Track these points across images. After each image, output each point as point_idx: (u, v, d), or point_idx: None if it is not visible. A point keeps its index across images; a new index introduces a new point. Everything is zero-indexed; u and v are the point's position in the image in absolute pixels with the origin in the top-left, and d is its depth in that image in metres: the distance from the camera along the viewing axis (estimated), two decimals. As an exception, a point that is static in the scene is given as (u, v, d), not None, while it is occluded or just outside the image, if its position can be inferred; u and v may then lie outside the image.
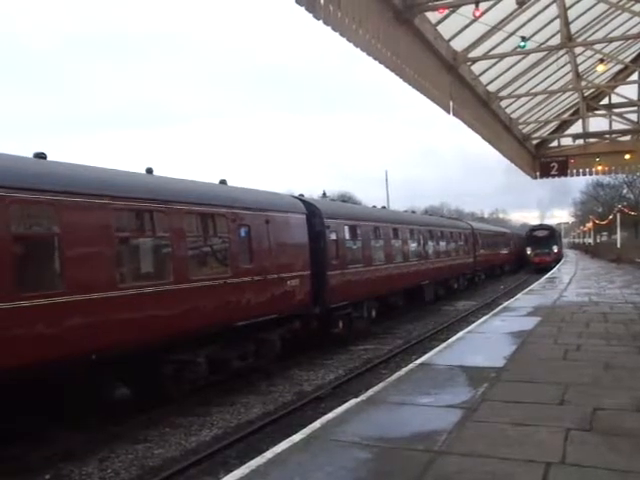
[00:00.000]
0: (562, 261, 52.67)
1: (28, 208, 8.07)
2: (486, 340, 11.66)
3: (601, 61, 17.94)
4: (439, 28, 13.30)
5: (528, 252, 49.76)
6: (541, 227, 54.48)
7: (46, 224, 8.43)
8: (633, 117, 23.32)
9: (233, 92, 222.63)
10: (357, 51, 10.25)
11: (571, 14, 15.36)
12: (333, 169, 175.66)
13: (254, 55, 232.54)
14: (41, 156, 8.79)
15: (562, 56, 17.74)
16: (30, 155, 8.73)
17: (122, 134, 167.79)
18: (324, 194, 34.58)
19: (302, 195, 16.88)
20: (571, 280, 27.66)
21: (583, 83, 21.08)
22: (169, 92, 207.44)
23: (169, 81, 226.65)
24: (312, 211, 15.07)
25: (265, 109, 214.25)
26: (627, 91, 22.63)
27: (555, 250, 50.16)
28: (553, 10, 14.81)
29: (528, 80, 19.09)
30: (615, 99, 23.54)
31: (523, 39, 14.36)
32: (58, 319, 8.02)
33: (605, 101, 23.99)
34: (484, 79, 17.63)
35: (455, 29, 13.73)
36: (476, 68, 16.72)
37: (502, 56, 16.11)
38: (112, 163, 10.08)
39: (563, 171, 25.81)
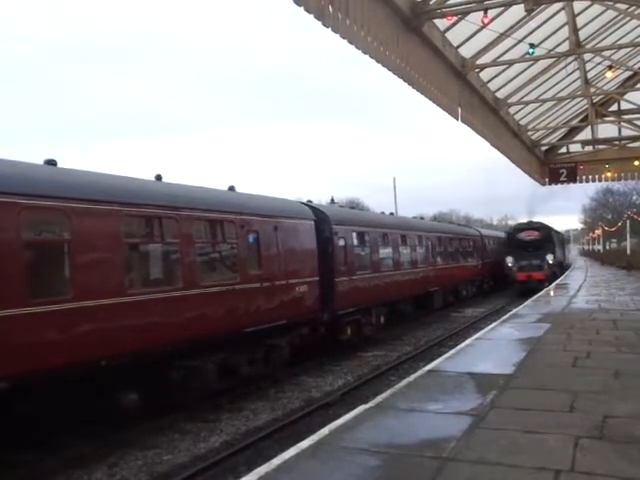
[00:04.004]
0: (569, 269, 49.52)
1: (39, 215, 8.13)
2: (495, 347, 11.61)
3: (610, 68, 17.93)
4: (447, 35, 13.36)
5: (509, 264, 32.79)
6: (529, 226, 35.06)
7: (57, 230, 8.49)
8: (642, 123, 23.27)
9: (237, 99, 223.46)
10: (364, 58, 10.31)
11: (580, 21, 15.39)
12: (341, 176, 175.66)
13: (258, 62, 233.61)
14: (52, 163, 8.86)
15: (571, 63, 17.77)
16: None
17: (124, 143, 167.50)
18: (332, 200, 34.55)
19: (310, 201, 16.89)
20: (580, 287, 27.50)
21: (592, 90, 21.09)
22: (170, 101, 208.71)
23: (170, 90, 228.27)
24: (320, 217, 15.09)
25: (271, 117, 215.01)
26: (636, 97, 22.59)
27: (550, 261, 32.89)
28: (562, 17, 14.84)
29: (537, 87, 19.12)
30: (624, 105, 23.52)
31: (532, 46, 14.38)
32: (67, 325, 8.06)
33: (614, 107, 23.98)
34: (493, 86, 17.67)
35: (464, 36, 13.79)
36: (485, 75, 16.75)
37: (511, 63, 16.15)
38: (116, 172, 10.09)
39: (572, 177, 25.76)
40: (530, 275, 31.68)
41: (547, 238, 34.19)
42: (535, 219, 36.34)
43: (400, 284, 19.92)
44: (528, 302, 20.55)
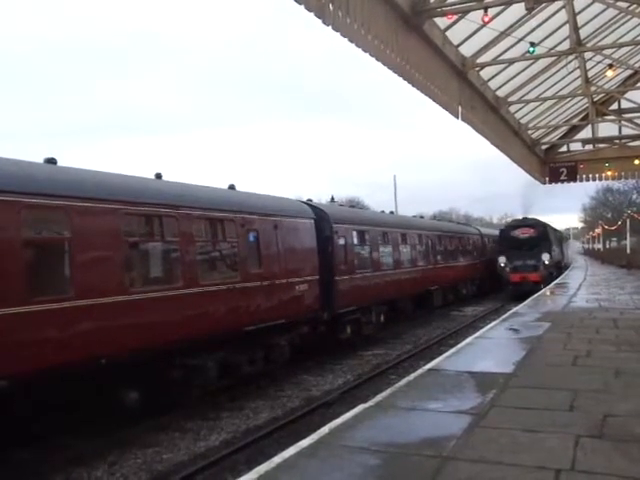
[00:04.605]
0: (569, 269, 48.42)
1: (39, 213, 8.12)
2: (495, 346, 11.61)
3: (610, 66, 17.91)
4: (448, 34, 13.32)
5: (502, 264, 30.46)
6: (524, 223, 32.46)
7: (57, 229, 8.48)
8: (643, 122, 23.23)
9: (237, 98, 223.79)
10: (364, 56, 10.28)
11: (580, 19, 15.34)
12: (341, 174, 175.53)
13: (258, 61, 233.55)
14: (52, 161, 8.85)
15: (571, 61, 17.72)
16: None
17: (125, 142, 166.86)
18: (332, 199, 34.53)
19: (310, 200, 16.87)
20: (580, 286, 27.49)
21: (592, 88, 21.05)
22: (170, 100, 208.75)
23: (170, 89, 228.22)
24: (320, 216, 15.08)
25: (271, 115, 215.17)
26: (637, 96, 22.58)
27: (546, 261, 30.37)
28: (562, 15, 14.80)
29: (537, 85, 19.08)
30: (625, 104, 23.51)
31: (532, 44, 14.36)
32: (68, 324, 8.06)
33: (614, 106, 23.95)
34: (493, 84, 17.63)
35: (464, 35, 13.75)
36: (485, 73, 16.72)
37: (511, 61, 16.12)
38: (115, 170, 10.10)
39: (572, 176, 25.75)
40: (524, 276, 29.35)
41: (543, 236, 31.46)
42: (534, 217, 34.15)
43: (400, 283, 19.92)
44: (528, 301, 20.54)
